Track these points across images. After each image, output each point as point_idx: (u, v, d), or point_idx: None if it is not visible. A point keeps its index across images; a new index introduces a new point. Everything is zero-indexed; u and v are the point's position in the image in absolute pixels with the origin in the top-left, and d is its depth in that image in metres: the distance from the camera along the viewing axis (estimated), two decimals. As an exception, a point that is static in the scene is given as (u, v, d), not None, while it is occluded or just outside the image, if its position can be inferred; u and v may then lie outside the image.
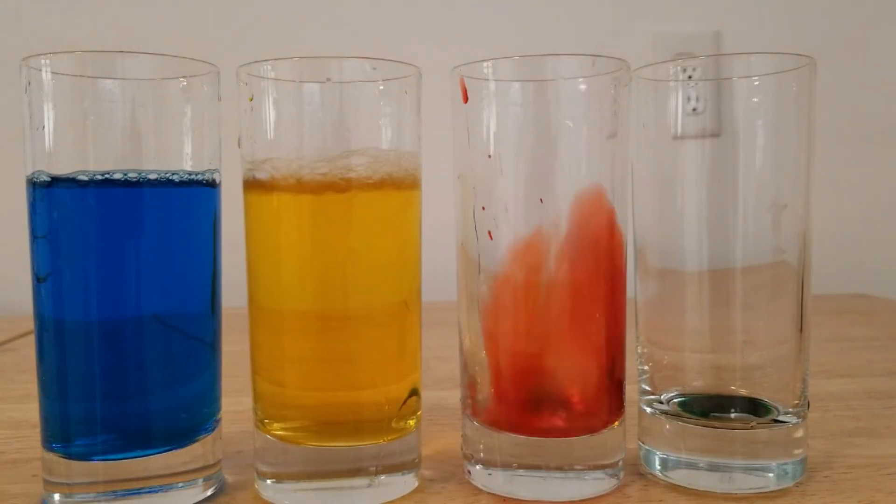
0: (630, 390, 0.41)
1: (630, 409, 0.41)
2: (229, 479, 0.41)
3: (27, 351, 0.78)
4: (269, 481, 0.39)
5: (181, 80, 0.37)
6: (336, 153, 0.38)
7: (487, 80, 0.39)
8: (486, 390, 0.41)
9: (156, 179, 0.37)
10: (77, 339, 0.37)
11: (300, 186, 0.38)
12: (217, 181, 0.40)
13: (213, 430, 0.40)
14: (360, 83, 0.38)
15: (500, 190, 0.39)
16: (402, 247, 0.40)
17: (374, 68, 0.38)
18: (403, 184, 0.39)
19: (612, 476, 0.40)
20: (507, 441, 0.39)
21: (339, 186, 0.38)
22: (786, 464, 0.39)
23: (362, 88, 0.38)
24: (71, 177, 0.36)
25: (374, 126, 0.38)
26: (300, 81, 0.38)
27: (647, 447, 0.42)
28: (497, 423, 0.40)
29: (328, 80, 0.37)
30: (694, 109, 0.40)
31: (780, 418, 0.39)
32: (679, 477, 0.40)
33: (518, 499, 0.39)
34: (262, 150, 0.38)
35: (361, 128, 0.38)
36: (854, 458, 0.43)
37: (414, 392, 0.41)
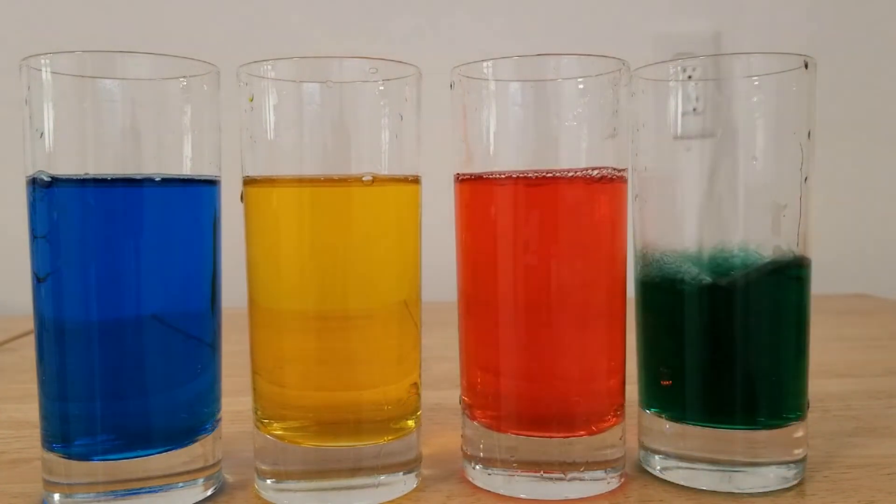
0: (630, 390, 0.41)
1: (630, 409, 0.41)
2: (229, 478, 0.41)
3: (27, 351, 0.78)
4: (269, 481, 0.39)
5: (181, 80, 0.37)
6: (336, 153, 0.38)
7: (487, 80, 0.39)
8: (485, 391, 0.41)
9: (155, 179, 0.37)
10: (77, 339, 0.37)
11: (300, 186, 0.38)
12: (217, 180, 0.40)
13: (213, 430, 0.40)
14: (360, 83, 0.38)
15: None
16: (402, 247, 0.40)
17: (375, 69, 0.38)
18: (403, 183, 0.39)
19: (611, 476, 0.40)
20: (507, 441, 0.39)
21: (338, 186, 0.38)
22: (786, 464, 0.39)
23: (362, 89, 0.38)
24: (71, 177, 0.36)
25: (374, 126, 0.38)
26: (300, 81, 0.37)
27: (647, 447, 0.42)
28: (497, 424, 0.40)
29: (328, 81, 0.37)
30: (694, 109, 0.40)
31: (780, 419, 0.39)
32: (679, 477, 0.40)
33: (518, 498, 0.38)
34: (262, 149, 0.38)
35: (361, 128, 0.38)
36: (854, 458, 0.43)
37: (414, 392, 0.41)
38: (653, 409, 0.41)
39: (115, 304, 0.36)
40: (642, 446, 0.42)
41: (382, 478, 0.39)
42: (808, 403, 0.41)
